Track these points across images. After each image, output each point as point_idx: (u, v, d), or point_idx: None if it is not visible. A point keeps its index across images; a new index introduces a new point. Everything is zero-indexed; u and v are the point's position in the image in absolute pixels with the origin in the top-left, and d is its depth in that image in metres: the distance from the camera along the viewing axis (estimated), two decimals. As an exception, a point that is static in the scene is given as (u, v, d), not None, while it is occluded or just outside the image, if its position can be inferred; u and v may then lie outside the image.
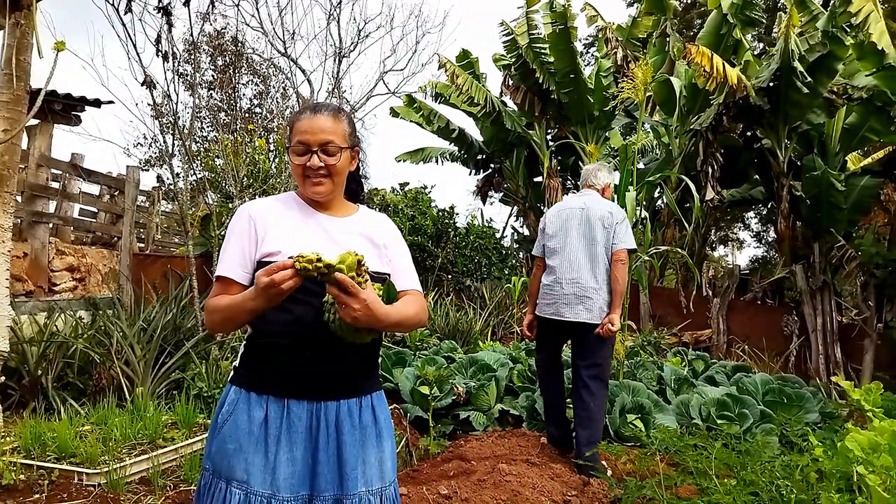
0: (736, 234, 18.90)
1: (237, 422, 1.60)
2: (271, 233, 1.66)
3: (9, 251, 4.19)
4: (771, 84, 8.30)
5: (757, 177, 10.68)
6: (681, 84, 9.77)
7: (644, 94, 5.02)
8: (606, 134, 11.38)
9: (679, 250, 7.10)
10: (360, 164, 1.93)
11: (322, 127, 1.67)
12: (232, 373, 1.72)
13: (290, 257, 1.44)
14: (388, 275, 1.72)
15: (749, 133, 9.71)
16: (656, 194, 11.91)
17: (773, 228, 13.27)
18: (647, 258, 5.32)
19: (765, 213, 15.00)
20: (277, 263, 1.44)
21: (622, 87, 5.26)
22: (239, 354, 1.73)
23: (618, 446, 3.54)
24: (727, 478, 3.00)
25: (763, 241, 17.64)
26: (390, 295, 1.60)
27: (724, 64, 8.08)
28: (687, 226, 8.98)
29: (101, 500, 3.03)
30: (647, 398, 4.61)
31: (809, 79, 7.87)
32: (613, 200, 4.47)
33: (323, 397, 1.62)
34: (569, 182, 12.84)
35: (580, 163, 11.09)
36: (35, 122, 7.32)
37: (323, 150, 1.66)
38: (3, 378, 4.14)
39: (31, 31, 4.08)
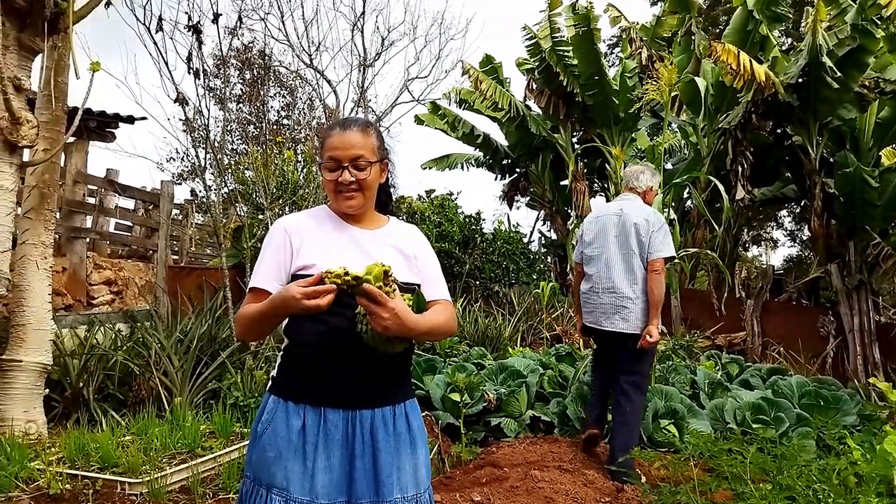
0: (769, 233, 18.58)
1: (276, 430, 1.65)
2: (306, 246, 1.71)
3: (50, 267, 4.34)
4: (800, 80, 8.18)
5: (788, 175, 10.52)
6: (707, 82, 9.68)
7: (669, 95, 4.99)
8: (633, 135, 11.30)
9: (710, 252, 7.02)
10: (390, 175, 1.98)
11: (352, 143, 1.71)
12: (270, 382, 1.77)
13: (321, 273, 1.49)
14: (418, 285, 1.76)
15: (779, 130, 9.56)
16: (685, 195, 11.80)
17: (806, 227, 13.03)
18: (677, 260, 5.27)
19: (798, 211, 14.74)
20: (312, 279, 1.49)
21: (647, 89, 5.23)
22: (276, 364, 1.78)
23: (651, 452, 3.52)
24: (763, 482, 2.97)
25: (797, 240, 17.30)
26: (420, 304, 1.64)
27: (751, 61, 7.98)
28: (717, 227, 8.88)
29: (143, 509, 3.11)
30: (680, 403, 4.57)
31: (839, 73, 7.74)
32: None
33: (358, 405, 1.66)
34: (595, 184, 12.78)
35: (606, 165, 11.03)
36: (71, 139, 7.54)
37: (354, 165, 1.71)
38: (46, 390, 4.29)
39: (69, 53, 4.22)
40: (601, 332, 3.87)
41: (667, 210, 8.63)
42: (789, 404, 4.67)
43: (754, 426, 4.39)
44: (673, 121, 11.61)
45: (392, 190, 2.08)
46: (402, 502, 1.65)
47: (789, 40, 14.19)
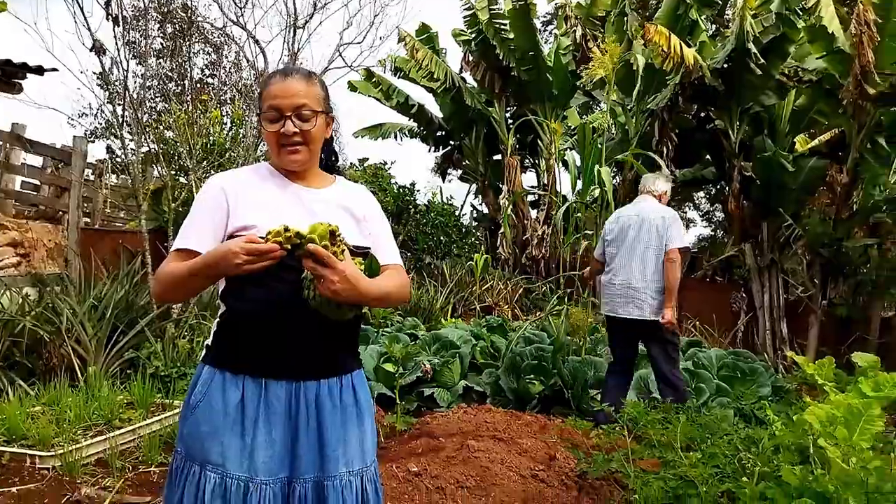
0: (685, 213, 19.37)
1: (211, 403, 1.54)
2: (244, 205, 1.58)
3: (-52, 225, 3.96)
4: (725, 65, 8.45)
5: (709, 157, 10.92)
6: (638, 64, 9.86)
7: (613, 72, 5.06)
8: (564, 113, 11.43)
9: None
10: (335, 134, 1.87)
11: (295, 90, 1.58)
12: (204, 351, 1.64)
13: (261, 237, 1.38)
14: (369, 249, 1.67)
15: (703, 114, 9.90)
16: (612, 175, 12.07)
17: (722, 208, 13.63)
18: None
19: (713, 192, 15.37)
20: (252, 237, 1.39)
21: (592, 64, 5.28)
22: (211, 332, 1.65)
23: (583, 421, 3.60)
24: (690, 451, 3.08)
25: (712, 221, 18.10)
26: (373, 269, 1.55)
27: (681, 44, 8.17)
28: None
29: (56, 483, 2.93)
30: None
31: (763, 60, 8.04)
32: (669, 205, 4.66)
33: (302, 377, 1.57)
34: (527, 160, 12.87)
35: (539, 141, 11.13)
36: (-29, 88, 6.90)
37: (297, 115, 1.57)
38: (-56, 358, 3.95)
39: (-31, -10, 3.81)
40: (617, 319, 4.23)
41: (597, 188, 8.82)
42: (709, 375, 4.89)
43: (677, 396, 4.56)
44: (603, 100, 11.81)
45: (338, 151, 1.97)
46: (348, 476, 1.58)
47: (715, 26, 14.65)
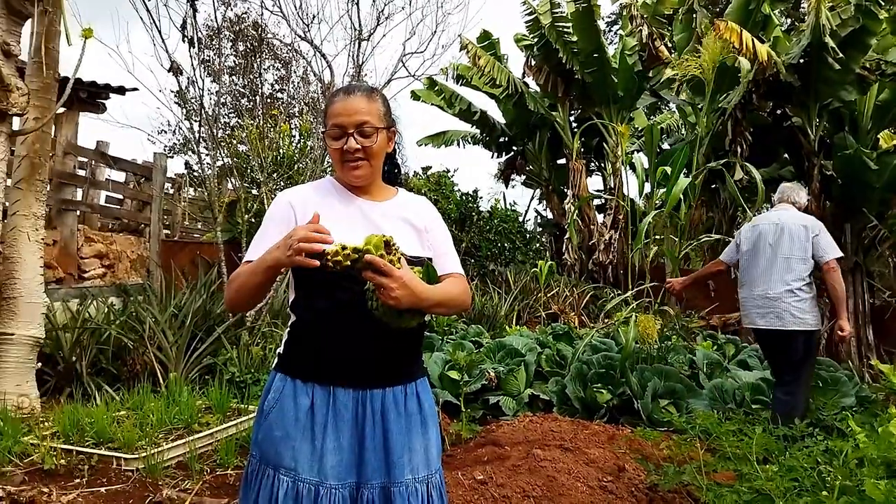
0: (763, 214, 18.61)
1: (283, 409, 1.59)
2: (310, 219, 1.64)
3: (42, 238, 4.25)
4: (801, 61, 8.09)
5: (787, 156, 10.47)
6: (707, 62, 9.56)
7: (712, 73, 4.95)
8: (631, 114, 11.20)
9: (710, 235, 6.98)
10: (397, 146, 1.90)
11: (357, 108, 1.63)
12: (276, 360, 1.70)
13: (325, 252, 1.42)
14: (429, 258, 1.69)
15: (779, 111, 9.49)
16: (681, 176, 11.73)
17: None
18: (673, 238, 5.28)
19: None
20: (318, 227, 1.44)
21: (687, 62, 5.19)
22: (282, 341, 1.71)
23: (654, 432, 3.51)
24: (766, 463, 2.96)
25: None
26: (430, 276, 1.56)
27: (753, 40, 7.88)
28: (715, 208, 8.85)
29: (140, 485, 3.07)
30: (679, 383, 4.56)
31: (841, 55, 7.66)
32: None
33: (368, 385, 1.60)
34: (593, 163, 12.68)
35: (604, 144, 10.94)
36: (62, 110, 7.38)
37: (359, 132, 1.62)
38: (39, 364, 4.22)
39: (60, 19, 4.09)
40: (759, 331, 4.18)
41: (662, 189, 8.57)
42: (787, 385, 4.67)
43: (754, 406, 4.39)
44: (671, 100, 11.50)
45: (400, 162, 2.00)
46: (414, 483, 1.60)
47: (790, 20, 14.06)
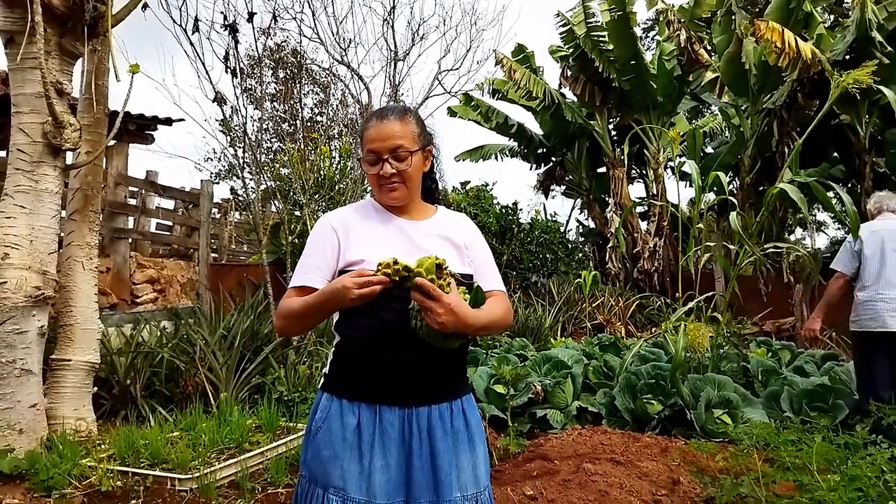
0: (814, 215, 18.02)
1: (331, 429, 1.60)
2: (353, 242, 1.65)
3: (96, 267, 4.40)
4: (847, 57, 7.87)
5: (836, 155, 10.15)
6: (750, 62, 9.37)
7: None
8: (672, 119, 11.03)
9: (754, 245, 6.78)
10: (435, 161, 1.90)
11: (390, 133, 1.64)
12: (322, 379, 1.72)
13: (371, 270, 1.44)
14: (471, 276, 1.69)
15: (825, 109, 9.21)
16: (727, 179, 11.48)
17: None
18: (733, 247, 5.15)
19: (845, 192, 14.23)
20: (362, 271, 1.45)
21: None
22: (328, 361, 1.73)
23: (709, 443, 3.41)
24: (828, 472, 2.84)
25: (845, 223, 16.73)
26: (478, 299, 1.56)
27: (795, 38, 7.71)
28: (763, 209, 8.59)
29: (194, 505, 3.13)
30: (733, 392, 4.42)
31: (889, 48, 7.41)
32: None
33: (414, 403, 1.60)
34: (634, 171, 12.52)
35: (645, 150, 10.80)
36: (112, 142, 7.67)
37: (394, 156, 1.64)
38: (95, 388, 4.35)
39: (108, 57, 4.26)
40: (887, 334, 4.14)
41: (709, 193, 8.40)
42: (847, 391, 4.49)
43: (812, 414, 4.22)
44: (714, 103, 11.29)
45: (438, 178, 2.01)
46: (463, 501, 1.59)
47: (832, 17, 13.68)
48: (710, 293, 5.24)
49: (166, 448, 3.59)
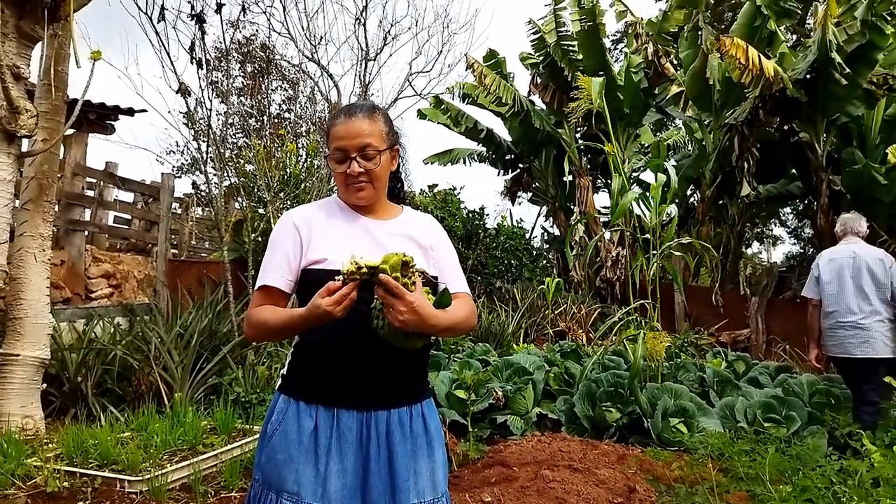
0: (771, 230, 18.50)
1: (287, 432, 1.56)
2: (316, 240, 1.62)
3: (48, 259, 4.25)
4: (808, 76, 8.10)
5: (794, 171, 10.44)
6: (714, 78, 9.58)
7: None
8: (637, 131, 11.21)
9: (712, 251, 6.93)
10: (401, 161, 1.88)
11: (358, 130, 1.61)
12: (280, 381, 1.68)
13: (336, 279, 1.41)
14: (436, 278, 1.67)
15: (786, 127, 9.49)
16: (688, 192, 11.71)
17: (811, 224, 12.95)
18: (678, 254, 5.24)
19: (801, 208, 14.65)
20: (330, 286, 1.42)
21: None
22: (286, 362, 1.69)
23: (666, 452, 3.45)
24: (780, 483, 2.90)
25: (801, 238, 17.21)
26: (443, 301, 1.54)
27: (759, 56, 7.90)
28: (722, 223, 8.81)
29: (143, 508, 3.04)
30: (689, 401, 4.49)
31: (848, 70, 7.66)
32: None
33: (373, 406, 1.57)
34: (599, 180, 12.67)
35: (610, 161, 10.94)
36: (71, 131, 7.44)
37: (362, 154, 1.61)
38: (44, 385, 4.21)
39: (69, 42, 4.13)
40: (850, 360, 4.33)
41: (670, 206, 8.55)
42: (800, 403, 4.60)
43: (766, 425, 4.32)
44: (678, 116, 11.51)
45: (404, 178, 1.99)
46: (420, 507, 1.56)
47: (795, 37, 14.09)
48: (643, 301, 5.32)
49: (117, 448, 3.48)
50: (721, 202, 10.72)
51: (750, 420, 4.45)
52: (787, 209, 16.06)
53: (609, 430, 4.51)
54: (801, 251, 16.77)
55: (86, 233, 7.96)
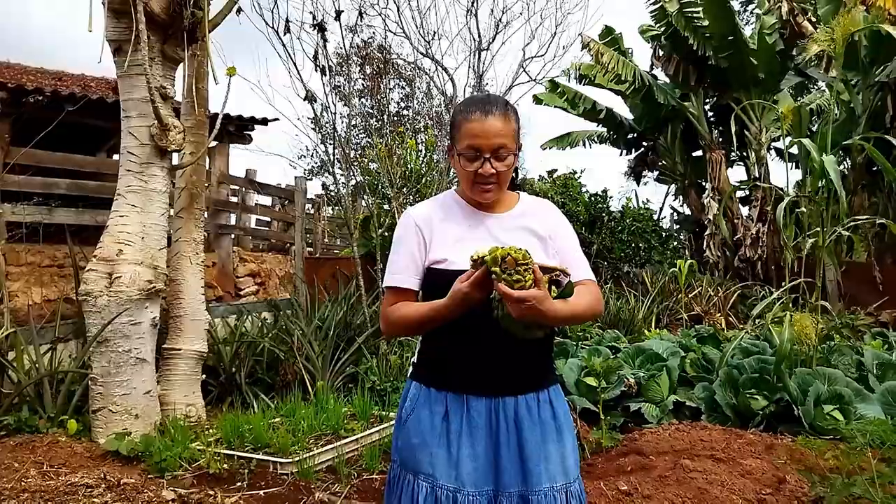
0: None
1: (419, 417, 1.63)
2: (437, 239, 1.65)
3: (202, 261, 4.66)
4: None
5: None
6: (861, 33, 8.67)
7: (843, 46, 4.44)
8: (775, 97, 10.39)
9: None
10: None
11: (495, 131, 1.58)
12: (411, 369, 1.74)
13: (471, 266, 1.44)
14: (556, 268, 1.64)
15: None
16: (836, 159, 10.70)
17: None
18: (845, 232, 4.79)
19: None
20: (468, 275, 1.45)
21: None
22: (416, 351, 1.75)
23: (819, 441, 3.20)
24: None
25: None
26: (566, 293, 1.51)
27: (914, 3, 7.05)
28: (878, 191, 7.98)
29: (294, 488, 3.26)
30: (845, 386, 4.12)
31: None
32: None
33: (500, 393, 1.59)
34: (733, 153, 11.91)
35: (745, 131, 10.24)
36: (214, 143, 8.09)
37: (495, 156, 1.58)
38: (203, 376, 4.62)
39: (207, 60, 4.48)
40: None
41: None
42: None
43: (936, 412, 3.88)
44: (820, 78, 10.56)
45: (518, 167, 1.97)
46: (552, 492, 1.57)
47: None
48: (802, 280, 4.88)
49: (269, 433, 3.75)
50: (874, 168, 9.71)
51: (918, 407, 4.01)
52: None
53: (754, 418, 4.24)
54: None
55: (232, 235, 8.64)
